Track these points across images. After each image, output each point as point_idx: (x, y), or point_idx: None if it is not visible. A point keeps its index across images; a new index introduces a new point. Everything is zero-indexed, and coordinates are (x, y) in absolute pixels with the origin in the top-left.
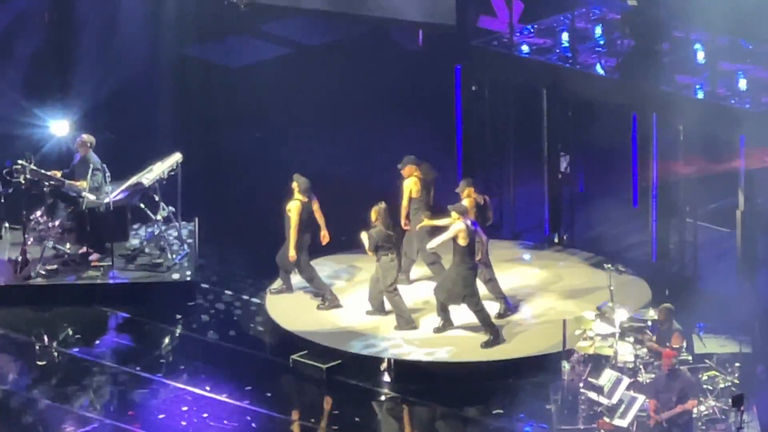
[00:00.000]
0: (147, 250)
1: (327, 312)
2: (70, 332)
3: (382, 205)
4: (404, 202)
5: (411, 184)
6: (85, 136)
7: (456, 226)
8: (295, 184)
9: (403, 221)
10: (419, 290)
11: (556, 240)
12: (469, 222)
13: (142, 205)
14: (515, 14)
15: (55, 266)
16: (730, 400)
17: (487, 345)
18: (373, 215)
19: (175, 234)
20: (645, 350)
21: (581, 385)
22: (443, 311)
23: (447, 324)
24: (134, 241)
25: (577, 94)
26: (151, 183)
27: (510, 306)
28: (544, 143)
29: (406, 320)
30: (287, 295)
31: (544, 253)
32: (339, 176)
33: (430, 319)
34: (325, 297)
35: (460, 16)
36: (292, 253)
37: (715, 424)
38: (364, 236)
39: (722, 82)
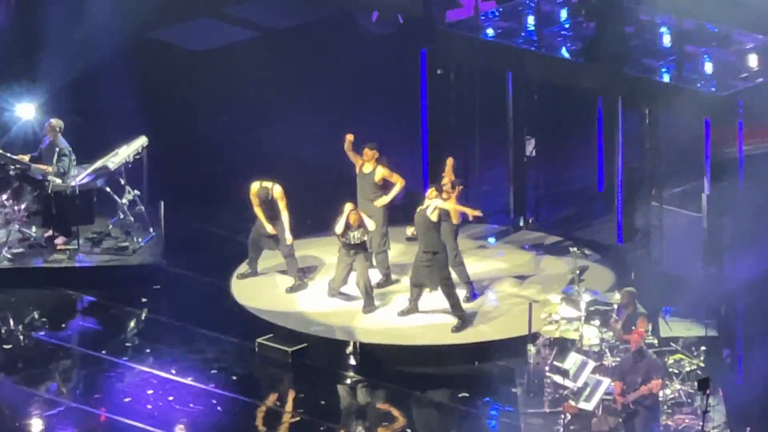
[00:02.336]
0: (112, 233)
1: (292, 295)
2: (36, 316)
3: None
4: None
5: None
6: (54, 121)
7: (435, 201)
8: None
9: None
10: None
11: (521, 224)
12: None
13: (108, 189)
14: None
15: (20, 250)
16: (696, 384)
17: (457, 329)
18: None
19: (140, 217)
20: (610, 334)
21: (547, 368)
22: (416, 295)
23: (413, 309)
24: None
25: (543, 77)
26: (116, 166)
27: (475, 293)
28: (509, 127)
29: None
30: (253, 279)
31: (509, 237)
32: (304, 160)
33: (395, 302)
34: (295, 279)
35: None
36: (288, 237)
37: (681, 408)
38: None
39: (688, 66)
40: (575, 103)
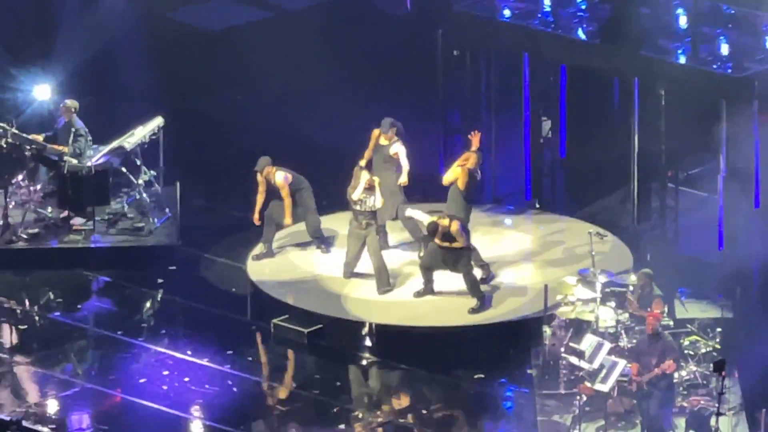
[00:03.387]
0: (128, 214)
1: (309, 277)
2: (52, 296)
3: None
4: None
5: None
6: (69, 102)
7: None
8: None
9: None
10: (401, 255)
11: (537, 205)
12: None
13: (124, 169)
14: None
15: (36, 230)
16: (711, 366)
17: (474, 311)
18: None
19: (156, 198)
20: (626, 315)
21: (562, 350)
22: (429, 278)
23: (428, 290)
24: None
25: (559, 58)
26: (132, 147)
27: (491, 275)
28: (525, 108)
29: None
30: (269, 260)
31: (525, 218)
32: (319, 141)
33: (412, 283)
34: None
35: None
36: (288, 220)
37: (697, 390)
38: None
39: (704, 47)
40: (591, 84)
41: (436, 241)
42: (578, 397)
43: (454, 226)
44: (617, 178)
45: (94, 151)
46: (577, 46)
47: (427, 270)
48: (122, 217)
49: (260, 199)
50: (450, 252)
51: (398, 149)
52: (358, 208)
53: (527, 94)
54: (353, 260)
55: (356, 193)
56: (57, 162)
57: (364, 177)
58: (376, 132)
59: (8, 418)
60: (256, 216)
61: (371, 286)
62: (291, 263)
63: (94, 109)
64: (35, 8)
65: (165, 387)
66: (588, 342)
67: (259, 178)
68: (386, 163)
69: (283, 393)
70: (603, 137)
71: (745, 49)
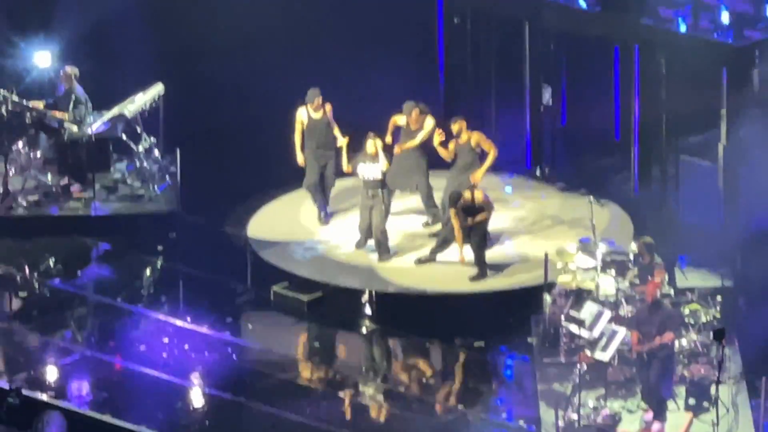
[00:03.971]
0: (129, 181)
1: (309, 244)
2: (52, 263)
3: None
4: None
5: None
6: (69, 68)
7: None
8: None
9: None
10: (403, 223)
11: (537, 173)
12: None
13: (124, 137)
14: None
15: (36, 197)
16: (711, 334)
17: (474, 279)
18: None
19: (157, 165)
20: (626, 283)
21: (563, 318)
22: (443, 249)
23: (431, 258)
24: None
25: (560, 26)
26: (132, 114)
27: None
28: (526, 76)
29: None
30: (270, 227)
31: (525, 186)
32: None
33: (412, 251)
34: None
35: None
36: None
37: (697, 358)
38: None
39: (705, 16)
40: (592, 53)
41: (458, 211)
42: (578, 366)
43: (479, 195)
44: (618, 147)
45: (95, 118)
46: (578, 14)
47: (444, 243)
48: (122, 184)
49: (299, 138)
50: (470, 203)
51: (429, 124)
52: (363, 178)
53: (528, 62)
54: (365, 230)
55: (360, 166)
56: (57, 129)
57: (369, 145)
58: (396, 118)
59: (8, 386)
60: (301, 157)
61: (373, 255)
62: (292, 230)
63: (94, 76)
64: None
65: (165, 354)
66: (588, 310)
67: (303, 115)
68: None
69: (282, 361)
70: (603, 105)
71: (746, 18)
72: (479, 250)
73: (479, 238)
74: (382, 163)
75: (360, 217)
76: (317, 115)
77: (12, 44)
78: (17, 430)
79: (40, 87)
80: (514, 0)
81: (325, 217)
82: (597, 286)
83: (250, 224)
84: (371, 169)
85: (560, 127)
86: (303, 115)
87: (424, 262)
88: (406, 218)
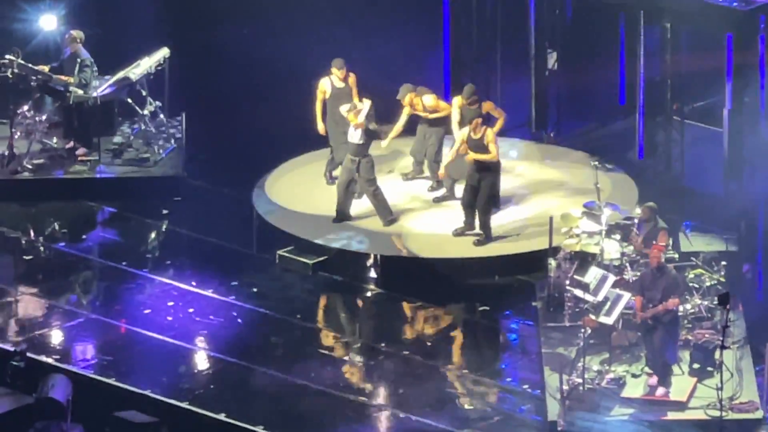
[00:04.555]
0: (134, 144)
1: (314, 207)
2: (57, 227)
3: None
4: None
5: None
6: (74, 32)
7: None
8: None
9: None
10: (411, 188)
11: (542, 137)
12: None
13: (129, 100)
14: None
15: (41, 161)
16: (716, 299)
17: (479, 243)
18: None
19: (162, 129)
20: (631, 248)
21: (567, 282)
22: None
23: (467, 227)
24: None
25: None
26: (138, 77)
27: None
28: (531, 40)
29: (389, 213)
30: (277, 190)
31: (530, 151)
32: (323, 73)
33: (415, 215)
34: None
35: None
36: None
37: (701, 323)
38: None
39: None
40: (597, 17)
41: (468, 152)
42: (582, 330)
43: (490, 135)
44: (622, 112)
45: (100, 82)
46: None
47: (468, 207)
48: (127, 147)
49: (320, 107)
50: (477, 165)
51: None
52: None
53: (533, 26)
54: (342, 189)
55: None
56: (63, 92)
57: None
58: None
59: (13, 349)
60: (321, 126)
61: (375, 218)
62: (296, 194)
63: (100, 40)
64: None
65: (169, 318)
66: (592, 274)
67: (326, 85)
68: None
69: (287, 325)
70: (608, 71)
71: None
72: (485, 214)
73: (485, 201)
74: (362, 130)
75: (341, 174)
76: (341, 85)
77: (17, 8)
78: (22, 392)
79: (46, 50)
80: None
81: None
82: (601, 250)
83: (255, 188)
84: (353, 134)
85: (565, 91)
86: (326, 85)
87: (460, 234)
88: (415, 183)
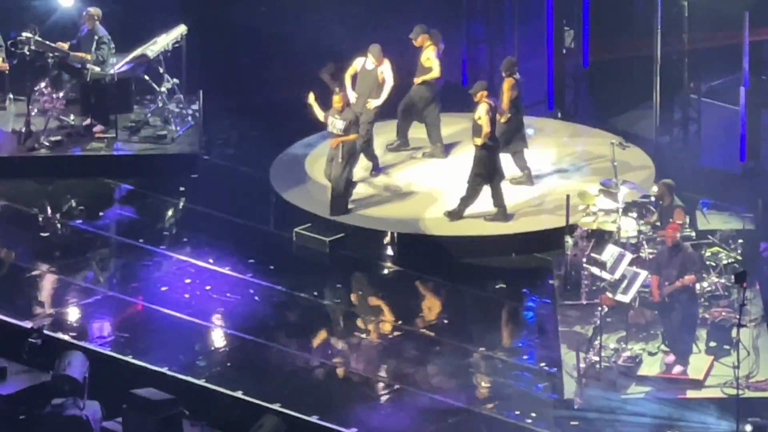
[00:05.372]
0: (151, 122)
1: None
2: (74, 204)
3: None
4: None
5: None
6: (92, 9)
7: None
8: None
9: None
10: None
11: (560, 115)
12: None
13: (146, 77)
14: None
15: (59, 138)
16: (733, 277)
17: (490, 219)
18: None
19: (179, 106)
20: (648, 226)
21: (584, 260)
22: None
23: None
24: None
25: None
26: (155, 55)
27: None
28: (548, 18)
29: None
30: (292, 168)
31: (547, 128)
32: (340, 49)
33: (434, 194)
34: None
35: None
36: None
37: (718, 301)
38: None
39: None
40: None
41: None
42: (600, 308)
43: (482, 109)
44: (639, 89)
45: (117, 59)
46: None
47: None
48: (145, 125)
49: (349, 80)
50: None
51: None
52: (330, 130)
53: (550, 3)
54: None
55: (329, 119)
56: (80, 70)
57: (335, 99)
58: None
59: (30, 326)
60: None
61: (394, 197)
62: (313, 171)
63: (117, 17)
64: None
65: (187, 295)
66: (609, 252)
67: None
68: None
69: (304, 302)
70: (625, 48)
71: None
72: (496, 190)
73: (471, 177)
74: (345, 117)
75: (325, 165)
76: (370, 67)
77: None
78: (39, 369)
79: (63, 28)
80: None
81: (375, 170)
82: (618, 228)
83: (272, 166)
84: (336, 123)
85: (582, 69)
86: (358, 64)
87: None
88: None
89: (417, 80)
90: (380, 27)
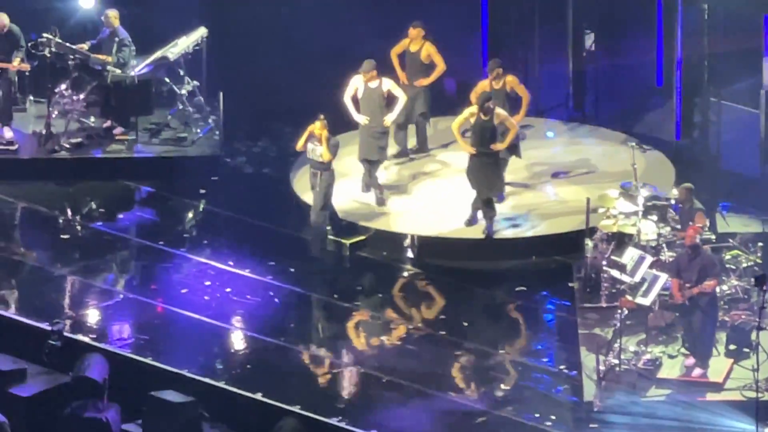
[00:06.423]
0: (171, 124)
1: (350, 189)
2: (94, 206)
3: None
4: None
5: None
6: (112, 11)
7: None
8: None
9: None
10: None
11: (580, 118)
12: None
13: (167, 79)
14: None
15: (79, 140)
16: (752, 280)
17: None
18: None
19: (199, 108)
20: (668, 229)
21: (604, 263)
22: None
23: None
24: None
25: None
26: (176, 57)
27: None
28: (569, 21)
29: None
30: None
31: (567, 131)
32: (359, 52)
33: (455, 196)
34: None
35: None
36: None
37: (738, 304)
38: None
39: None
40: None
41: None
42: (619, 311)
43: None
44: (660, 93)
45: (138, 61)
46: None
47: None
48: (165, 127)
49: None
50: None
51: (428, 50)
52: (309, 156)
53: (571, 7)
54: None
55: (309, 146)
56: (100, 72)
57: (317, 126)
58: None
59: (50, 328)
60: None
61: (414, 200)
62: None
63: (138, 19)
64: None
65: (206, 297)
66: (629, 255)
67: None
68: (421, 72)
69: (324, 304)
70: (646, 51)
71: None
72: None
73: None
74: (324, 148)
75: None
76: (372, 85)
77: None
78: (59, 371)
79: (84, 29)
80: None
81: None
82: (638, 231)
83: (293, 168)
84: (315, 150)
85: (603, 72)
86: (358, 83)
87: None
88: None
89: (425, 81)
90: (401, 31)
